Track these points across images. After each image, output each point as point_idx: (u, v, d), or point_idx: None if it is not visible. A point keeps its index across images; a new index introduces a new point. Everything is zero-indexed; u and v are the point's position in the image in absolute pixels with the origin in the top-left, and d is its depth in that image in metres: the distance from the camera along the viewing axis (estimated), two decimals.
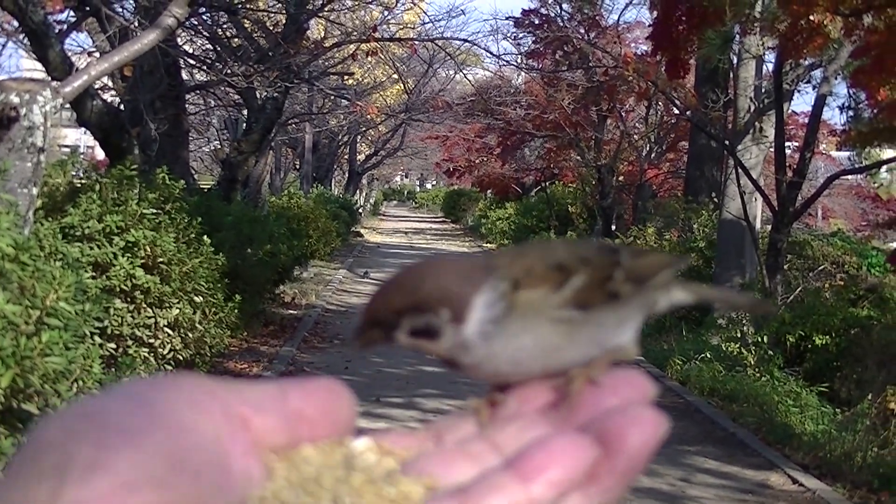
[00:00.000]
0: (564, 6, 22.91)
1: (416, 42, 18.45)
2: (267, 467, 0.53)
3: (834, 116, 55.55)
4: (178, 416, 0.50)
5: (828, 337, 11.59)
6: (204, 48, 15.99)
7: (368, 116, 23.65)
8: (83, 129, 12.52)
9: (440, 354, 0.64)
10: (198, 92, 16.59)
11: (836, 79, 14.07)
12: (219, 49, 14.19)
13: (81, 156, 9.18)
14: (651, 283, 0.71)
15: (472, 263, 0.65)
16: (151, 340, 8.19)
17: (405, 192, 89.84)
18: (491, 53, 33.31)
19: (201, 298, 8.63)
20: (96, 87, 11.40)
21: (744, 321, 12.71)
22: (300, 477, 0.54)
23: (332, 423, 0.56)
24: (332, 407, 0.57)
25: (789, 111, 17.44)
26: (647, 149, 24.48)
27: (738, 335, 12.27)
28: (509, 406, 0.63)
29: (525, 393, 0.64)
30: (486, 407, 0.63)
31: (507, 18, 30.27)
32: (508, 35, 25.05)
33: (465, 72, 21.54)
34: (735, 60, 15.03)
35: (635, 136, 24.81)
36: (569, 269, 0.65)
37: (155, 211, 8.38)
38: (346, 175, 42.24)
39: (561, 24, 22.93)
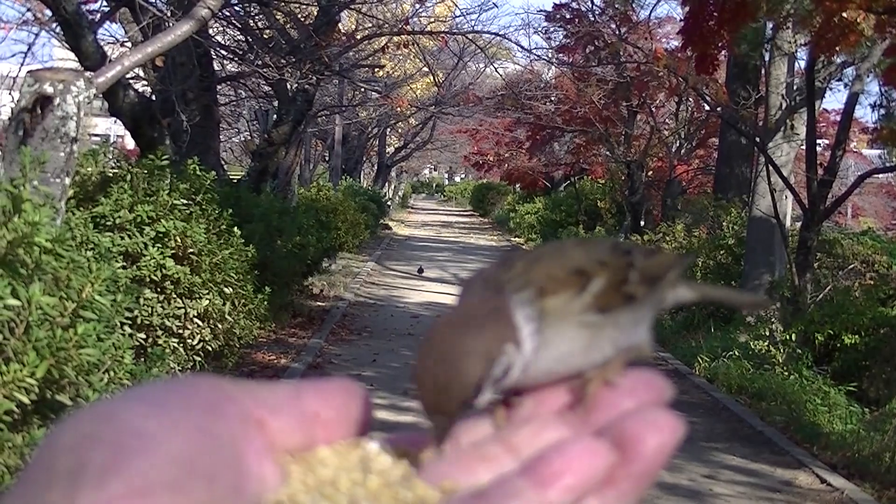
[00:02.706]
0: (596, 0, 22.86)
1: (447, 35, 18.45)
2: (283, 470, 0.53)
3: (865, 114, 55.11)
4: (193, 419, 0.50)
5: (857, 336, 11.51)
6: (236, 39, 16.04)
7: (398, 109, 23.64)
8: (113, 118, 12.58)
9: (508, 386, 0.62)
10: (229, 83, 16.64)
11: (868, 77, 13.97)
12: (251, 40, 14.23)
13: (112, 145, 9.23)
14: (662, 282, 0.71)
15: (482, 289, 0.63)
16: (181, 331, 8.23)
17: (434, 185, 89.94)
18: (522, 47, 33.30)
19: (231, 290, 8.66)
20: (128, 77, 11.45)
21: (772, 319, 12.65)
22: (316, 479, 0.54)
23: (349, 425, 0.57)
24: (349, 408, 0.57)
25: (821, 109, 17.30)
26: (677, 145, 24.36)
27: (767, 333, 12.19)
28: (525, 407, 0.62)
29: (541, 394, 0.63)
30: (501, 408, 0.62)
31: (538, 12, 30.33)
32: (539, 29, 25.10)
33: (495, 65, 21.53)
34: (767, 57, 14.95)
35: (665, 132, 24.71)
36: (588, 274, 0.65)
37: (186, 202, 8.41)
38: (375, 167, 42.32)
39: (592, 18, 22.88)
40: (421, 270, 22.13)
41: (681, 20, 13.34)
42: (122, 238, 7.94)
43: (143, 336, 7.81)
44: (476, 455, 0.58)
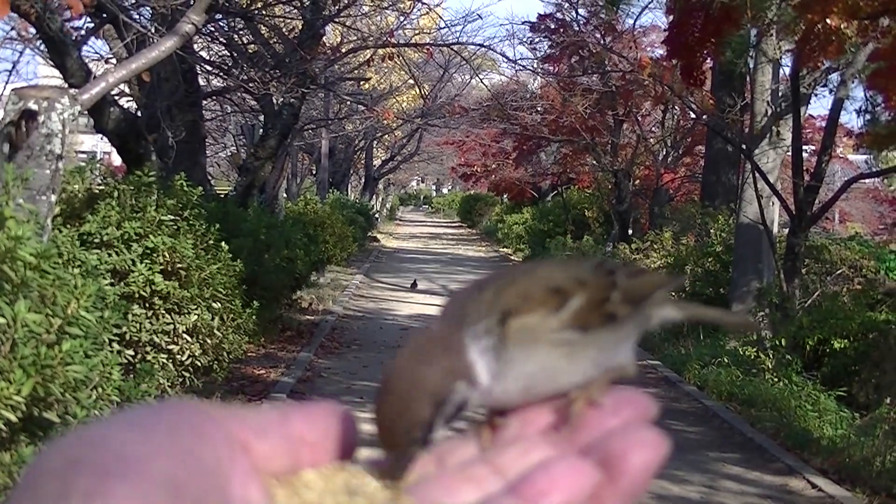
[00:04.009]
0: (580, 11, 22.92)
1: (433, 47, 18.47)
2: (268, 493, 0.53)
3: (851, 120, 55.35)
4: (178, 442, 0.50)
5: (846, 341, 11.53)
6: (220, 54, 16.02)
7: (384, 122, 23.65)
8: (99, 135, 12.55)
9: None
10: (214, 98, 16.61)
11: (853, 82, 14.03)
12: (235, 55, 14.22)
13: (99, 162, 9.19)
14: (647, 302, 0.71)
15: (439, 327, 0.63)
16: (170, 346, 8.20)
17: (421, 197, 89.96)
18: (507, 58, 33.24)
19: (220, 304, 8.64)
20: (113, 93, 11.43)
21: (761, 325, 12.68)
22: (301, 503, 0.53)
23: (335, 448, 0.56)
24: (335, 431, 0.57)
25: (806, 115, 17.36)
26: (664, 153, 24.42)
27: (756, 339, 12.22)
28: (511, 428, 0.63)
29: (526, 415, 0.63)
30: (487, 429, 0.63)
31: (523, 23, 30.29)
32: (524, 40, 25.10)
33: (481, 76, 21.54)
34: (752, 64, 15.00)
35: (651, 141, 24.78)
36: (566, 292, 0.65)
37: (173, 217, 8.39)
38: (363, 180, 42.28)
39: (577, 28, 22.94)
40: (415, 284, 22.03)
41: (665, 29, 13.38)
42: (110, 255, 7.91)
43: (132, 352, 7.79)
44: (462, 476, 0.58)
